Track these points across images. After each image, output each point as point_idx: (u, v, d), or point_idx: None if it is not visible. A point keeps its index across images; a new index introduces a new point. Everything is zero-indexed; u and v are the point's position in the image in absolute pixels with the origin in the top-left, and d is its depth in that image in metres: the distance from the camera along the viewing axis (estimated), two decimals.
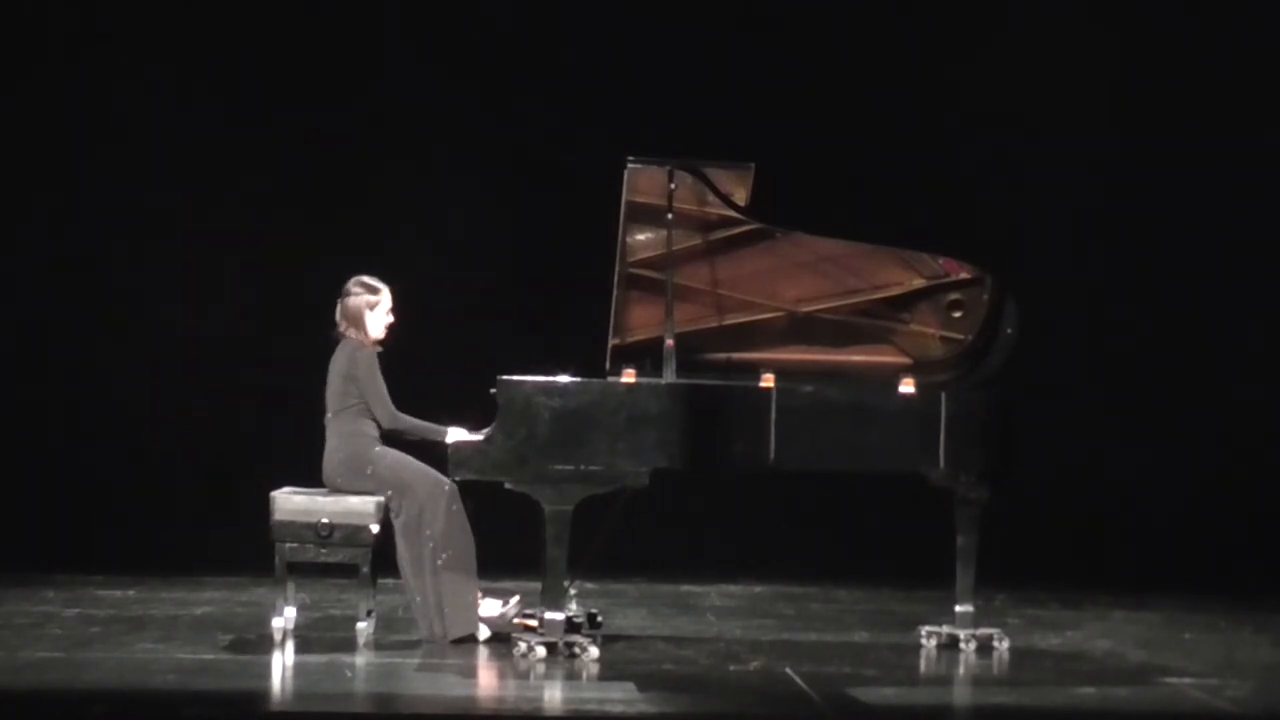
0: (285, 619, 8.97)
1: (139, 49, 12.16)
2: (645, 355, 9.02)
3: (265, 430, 11.67)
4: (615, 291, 9.02)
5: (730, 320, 9.25)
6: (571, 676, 8.36)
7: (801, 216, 9.18)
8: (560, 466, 8.70)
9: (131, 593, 10.48)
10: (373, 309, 9.13)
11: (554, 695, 8.11)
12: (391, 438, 9.09)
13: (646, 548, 11.11)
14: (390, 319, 9.17)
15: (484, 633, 8.95)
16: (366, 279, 9.17)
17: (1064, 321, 12.06)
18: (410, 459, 9.04)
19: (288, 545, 8.93)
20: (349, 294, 9.14)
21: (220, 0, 12.23)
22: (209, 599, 10.31)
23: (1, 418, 12.02)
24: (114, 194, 12.13)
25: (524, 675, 8.38)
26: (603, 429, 8.71)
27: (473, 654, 8.74)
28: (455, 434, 8.92)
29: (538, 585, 8.80)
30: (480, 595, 8.98)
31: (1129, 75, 12.40)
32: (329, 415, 9.07)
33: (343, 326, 9.13)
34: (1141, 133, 12.36)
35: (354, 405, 9.02)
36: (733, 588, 11.33)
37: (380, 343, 9.14)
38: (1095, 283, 12.42)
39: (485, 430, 8.82)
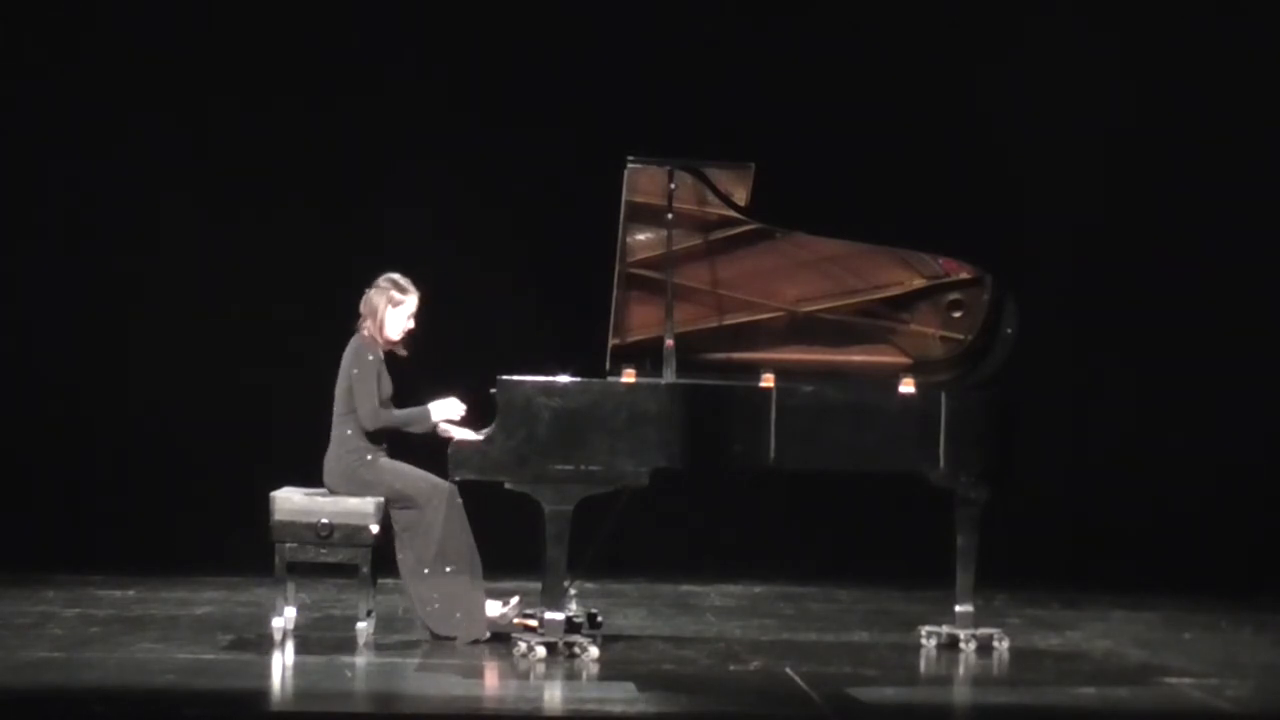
0: (285, 619, 8.97)
1: (143, 46, 12.17)
2: (645, 355, 9.02)
3: (265, 430, 11.66)
4: (615, 291, 9.02)
5: (730, 320, 9.25)
6: (571, 676, 8.37)
7: (801, 216, 9.18)
8: (560, 466, 8.70)
9: (131, 593, 10.47)
10: (395, 306, 9.09)
11: (554, 695, 8.11)
12: (395, 439, 9.08)
13: (646, 548, 11.11)
14: (410, 324, 9.14)
15: (485, 633, 8.95)
16: (398, 277, 9.12)
17: (1064, 321, 12.06)
18: (408, 467, 9.03)
19: (288, 545, 8.93)
20: (377, 286, 9.12)
21: (222, 1, 12.26)
22: (209, 599, 10.31)
23: (1, 418, 12.02)
24: (116, 193, 12.13)
25: (524, 675, 8.38)
26: (603, 429, 8.71)
27: (473, 654, 8.74)
28: (438, 408, 8.91)
29: (538, 585, 8.80)
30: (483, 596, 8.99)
31: (1131, 74, 12.40)
32: (335, 414, 9.06)
33: (362, 318, 9.12)
34: (1144, 132, 12.35)
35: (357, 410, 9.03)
36: (733, 588, 11.33)
37: (392, 346, 9.11)
38: (1096, 282, 12.41)
39: (485, 430, 8.83)
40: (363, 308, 9.13)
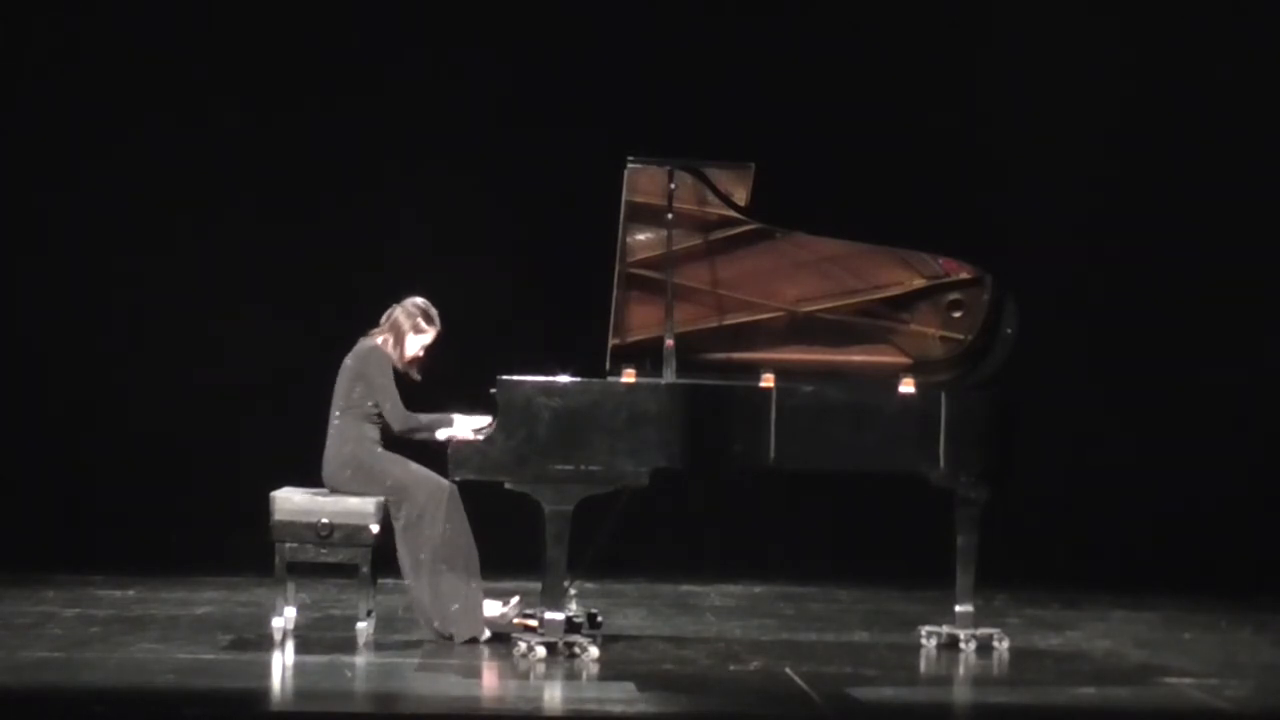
0: (285, 619, 8.97)
1: (143, 47, 12.17)
2: (645, 355, 9.02)
3: (265, 430, 11.66)
4: (615, 291, 9.02)
5: (730, 320, 9.25)
6: (571, 676, 8.37)
7: (801, 216, 9.18)
8: (560, 466, 8.70)
9: (131, 593, 10.48)
10: (417, 334, 9.12)
11: (554, 695, 8.11)
12: (395, 439, 9.08)
13: (646, 548, 11.11)
14: (421, 354, 9.16)
15: (485, 633, 8.95)
16: (428, 306, 9.13)
17: (1064, 321, 12.06)
18: (410, 462, 9.04)
19: (288, 545, 8.93)
20: (405, 308, 9.13)
21: (222, 2, 12.25)
22: (209, 599, 10.31)
23: (1, 418, 12.02)
24: (116, 194, 12.13)
25: (524, 675, 8.38)
26: (603, 429, 8.71)
27: (473, 654, 8.74)
28: (461, 422, 8.92)
29: (538, 585, 8.80)
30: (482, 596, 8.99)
31: (1132, 74, 12.40)
32: (334, 414, 9.07)
33: (380, 329, 9.12)
34: (1143, 132, 12.36)
35: (359, 406, 9.02)
36: (733, 588, 11.33)
37: (406, 369, 9.11)
38: (1095, 282, 12.41)
39: (485, 430, 8.82)
40: (384, 321, 9.14)
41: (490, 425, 8.82)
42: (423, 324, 9.14)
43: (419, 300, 9.17)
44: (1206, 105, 12.39)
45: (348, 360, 9.11)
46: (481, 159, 12.13)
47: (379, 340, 9.12)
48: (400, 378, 9.11)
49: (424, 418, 9.03)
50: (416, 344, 9.15)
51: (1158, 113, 12.38)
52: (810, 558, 11.76)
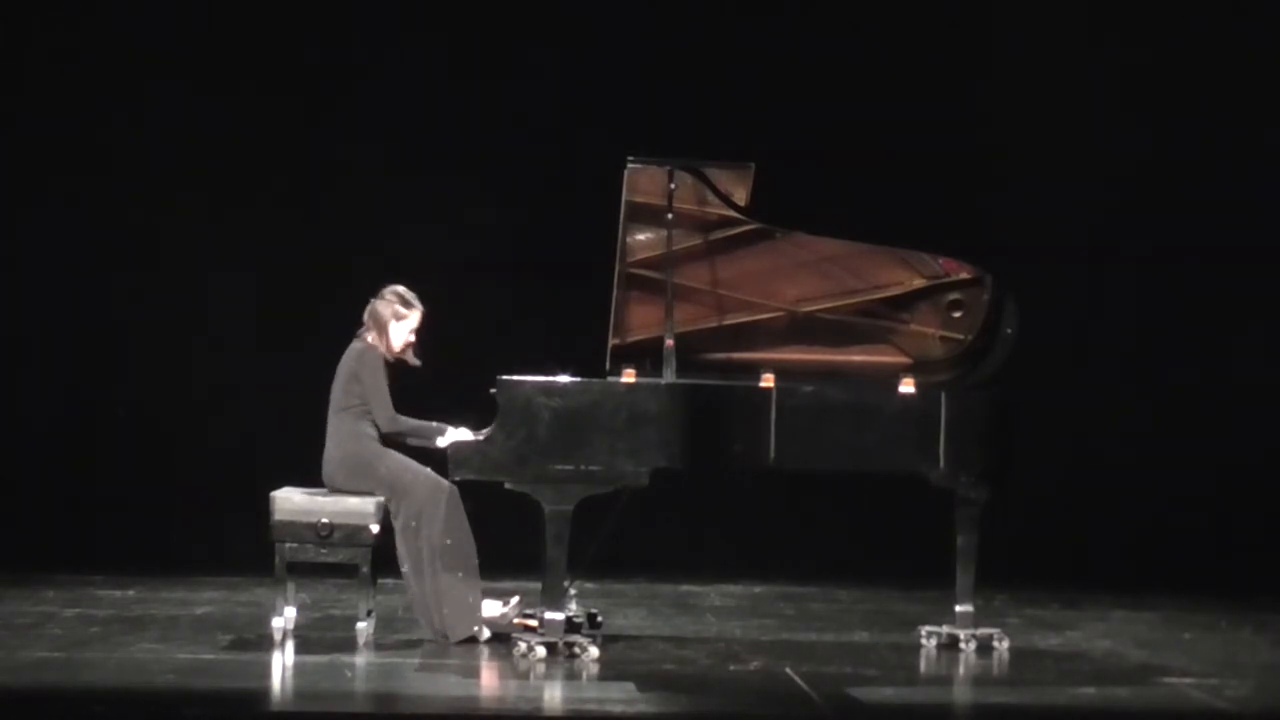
0: (285, 619, 8.97)
1: (142, 46, 12.17)
2: (645, 355, 9.02)
3: (265, 430, 11.66)
4: (615, 291, 9.02)
5: (730, 320, 9.25)
6: (571, 676, 8.37)
7: (801, 216, 9.18)
8: (560, 466, 8.70)
9: (131, 593, 10.48)
10: (399, 320, 9.12)
11: (554, 695, 8.11)
12: (391, 439, 9.09)
13: (646, 548, 11.10)
14: (412, 338, 9.17)
15: (484, 633, 8.96)
16: (404, 291, 9.15)
17: (1063, 321, 12.06)
18: (410, 461, 9.04)
19: (288, 545, 8.93)
20: (382, 298, 9.14)
21: (219, 2, 12.26)
22: (209, 599, 10.31)
23: (1, 418, 12.02)
24: (115, 192, 12.12)
25: (524, 675, 8.38)
26: (603, 429, 8.71)
27: (473, 654, 8.74)
28: (453, 434, 8.93)
29: (538, 585, 8.80)
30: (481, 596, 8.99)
31: (1132, 74, 12.40)
32: (333, 410, 9.07)
33: (366, 328, 9.14)
34: (1144, 132, 12.35)
35: (356, 406, 9.03)
36: (733, 588, 11.33)
37: (400, 356, 9.12)
38: (1096, 281, 12.41)
39: (485, 430, 8.83)
40: (367, 317, 9.15)
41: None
42: (401, 309, 9.15)
43: (395, 287, 9.18)
44: (1207, 105, 12.38)
45: (344, 361, 9.12)
46: (481, 159, 12.12)
47: (369, 339, 9.13)
48: (401, 367, 9.11)
49: (411, 422, 9.04)
50: (403, 330, 9.15)
51: (1158, 113, 12.37)
52: (810, 558, 11.76)
